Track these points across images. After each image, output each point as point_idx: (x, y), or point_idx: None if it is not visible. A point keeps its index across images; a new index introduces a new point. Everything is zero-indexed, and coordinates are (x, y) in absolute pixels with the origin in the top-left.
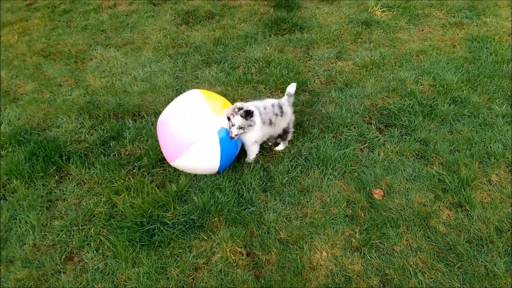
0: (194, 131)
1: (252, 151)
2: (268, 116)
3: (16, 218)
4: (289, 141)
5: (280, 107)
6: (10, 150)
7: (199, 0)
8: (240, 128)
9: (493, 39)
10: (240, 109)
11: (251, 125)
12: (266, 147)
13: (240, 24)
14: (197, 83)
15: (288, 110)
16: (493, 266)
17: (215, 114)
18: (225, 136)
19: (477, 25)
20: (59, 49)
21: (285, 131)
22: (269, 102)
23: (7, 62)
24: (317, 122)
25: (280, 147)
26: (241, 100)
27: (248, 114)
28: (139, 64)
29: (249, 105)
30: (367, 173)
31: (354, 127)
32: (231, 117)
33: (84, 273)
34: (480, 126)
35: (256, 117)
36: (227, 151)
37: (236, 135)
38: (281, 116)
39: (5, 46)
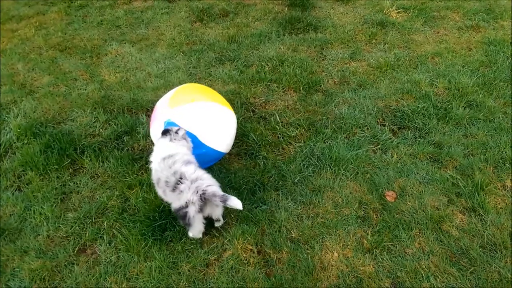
0: (155, 112)
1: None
2: (165, 173)
3: (30, 209)
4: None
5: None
6: (25, 142)
7: None
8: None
9: (510, 43)
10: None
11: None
12: (278, 145)
13: (254, 23)
14: (210, 80)
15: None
16: (506, 272)
17: (169, 107)
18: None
19: (494, 29)
20: (75, 43)
21: (176, 210)
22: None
23: (23, 55)
24: (330, 122)
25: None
26: (254, 98)
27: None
28: (154, 60)
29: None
30: (379, 174)
31: (367, 128)
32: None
33: (97, 266)
34: (495, 131)
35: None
36: None
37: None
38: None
39: (22, 39)
